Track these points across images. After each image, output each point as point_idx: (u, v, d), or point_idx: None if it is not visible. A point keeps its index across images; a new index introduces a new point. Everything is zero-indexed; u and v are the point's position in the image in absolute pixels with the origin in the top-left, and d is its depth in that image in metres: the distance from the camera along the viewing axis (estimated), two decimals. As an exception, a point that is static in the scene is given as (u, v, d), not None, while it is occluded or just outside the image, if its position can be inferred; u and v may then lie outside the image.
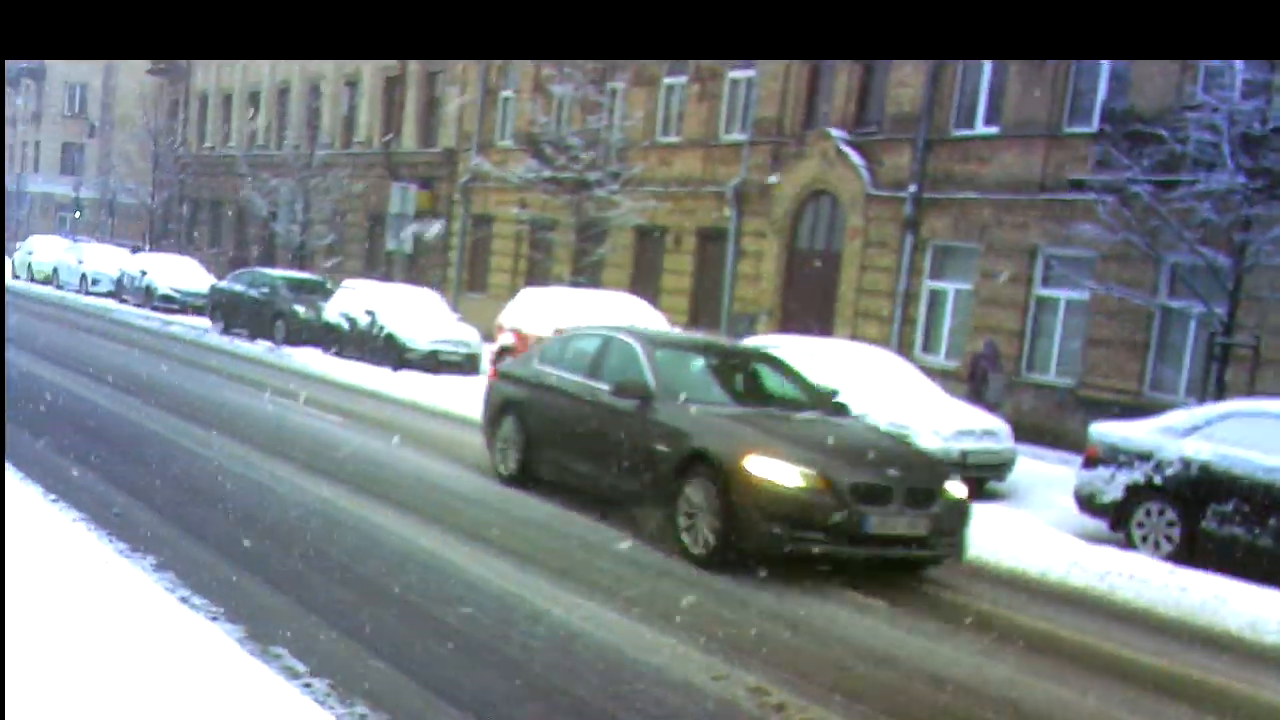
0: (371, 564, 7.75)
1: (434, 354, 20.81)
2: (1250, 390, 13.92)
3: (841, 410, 10.10)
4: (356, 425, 14.11)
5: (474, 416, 15.51)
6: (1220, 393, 13.75)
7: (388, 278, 29.22)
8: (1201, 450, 10.32)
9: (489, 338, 21.05)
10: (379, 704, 5.25)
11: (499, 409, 11.05)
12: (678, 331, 14.03)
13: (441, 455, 12.41)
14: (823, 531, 7.95)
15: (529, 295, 20.26)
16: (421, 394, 17.59)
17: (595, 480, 9.69)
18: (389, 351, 20.89)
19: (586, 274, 25.79)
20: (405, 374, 19.71)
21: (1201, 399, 13.97)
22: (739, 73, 24.44)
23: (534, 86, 28.87)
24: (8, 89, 58.30)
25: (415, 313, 21.82)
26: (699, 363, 10.46)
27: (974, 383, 15.59)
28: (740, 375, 10.57)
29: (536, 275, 28.47)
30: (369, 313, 21.76)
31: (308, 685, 5.34)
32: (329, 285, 25.90)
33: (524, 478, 10.50)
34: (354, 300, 22.68)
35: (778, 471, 8.07)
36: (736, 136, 24.63)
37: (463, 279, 32.34)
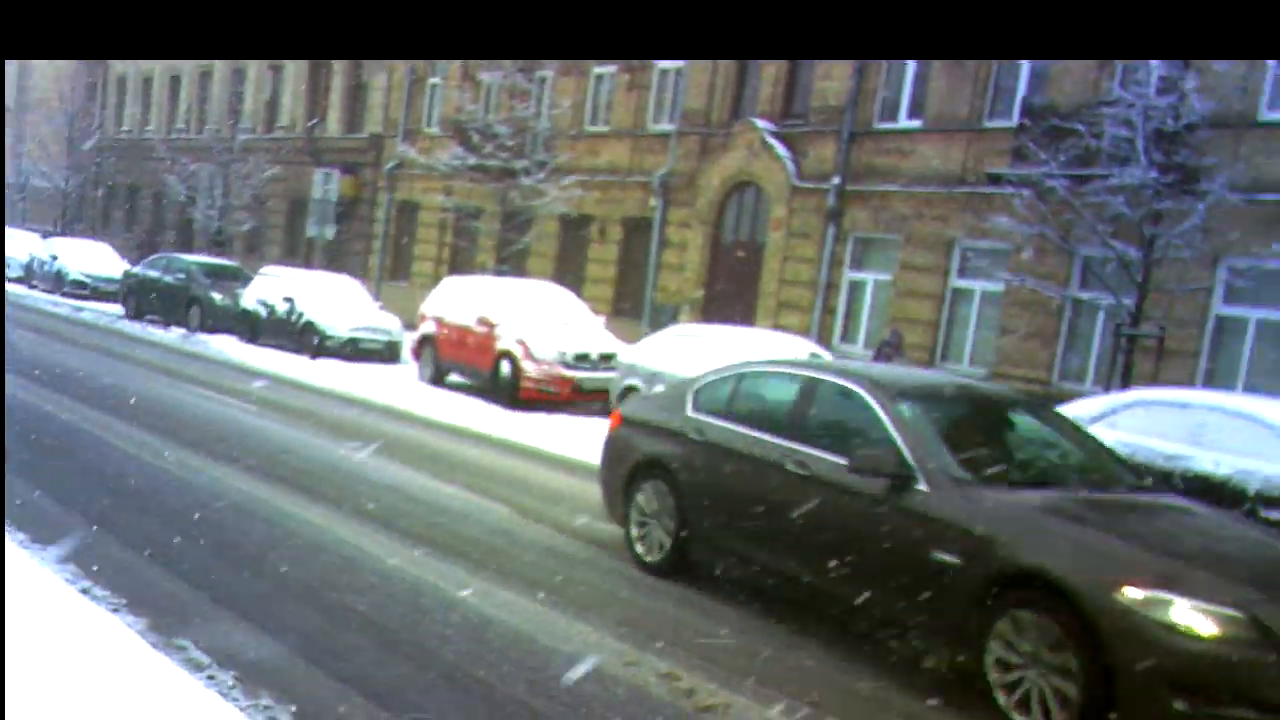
0: (313, 570, 7.66)
1: (353, 342, 20.62)
2: (1155, 379, 14.32)
3: (1152, 487, 7.58)
4: (274, 413, 13.92)
5: (403, 408, 15.46)
6: (1126, 382, 14.12)
7: (308, 265, 28.84)
8: (1106, 438, 10.56)
9: (411, 326, 20.89)
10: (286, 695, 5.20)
11: (635, 470, 8.25)
12: (912, 371, 11.08)
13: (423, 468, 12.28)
14: (1255, 706, 5.17)
15: (452, 284, 20.13)
16: (340, 382, 17.42)
17: (817, 588, 6.87)
18: (307, 339, 20.64)
19: (511, 263, 25.71)
20: (324, 362, 19.49)
21: (1108, 388, 14.32)
22: (668, 63, 24.47)
23: (462, 74, 28.65)
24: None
25: (335, 300, 21.58)
26: (952, 416, 7.39)
27: None
28: (1009, 434, 7.57)
29: (460, 264, 28.32)
30: (287, 300, 21.47)
31: (211, 678, 5.27)
32: (246, 271, 25.49)
33: (678, 566, 7.84)
34: (272, 287, 22.35)
35: (1182, 612, 5.24)
36: (664, 127, 24.68)
37: (385, 267, 32.03)
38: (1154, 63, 14.33)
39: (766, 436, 7.41)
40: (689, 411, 8.12)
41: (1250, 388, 14.84)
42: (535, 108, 25.47)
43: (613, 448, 8.71)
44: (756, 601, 7.38)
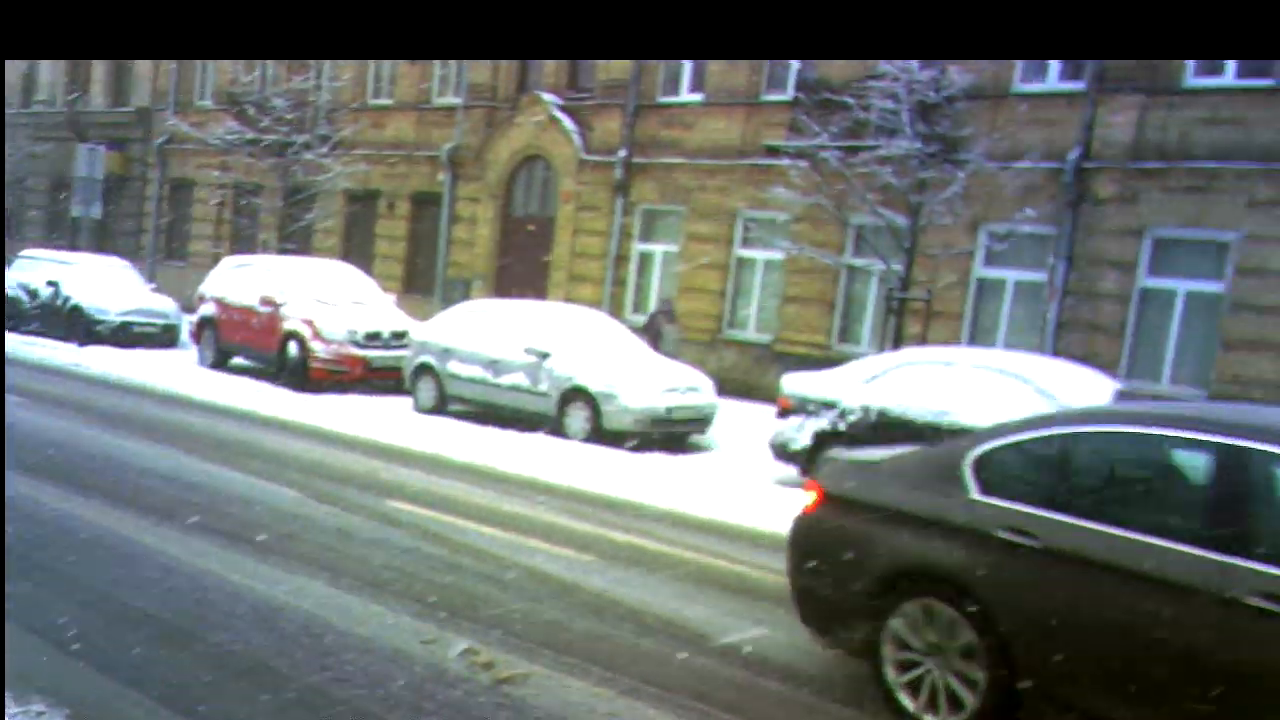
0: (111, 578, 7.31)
1: (125, 326, 19.67)
2: (924, 340, 15.14)
3: None
4: (41, 405, 13.15)
5: (185, 393, 14.83)
6: (897, 344, 14.88)
7: (74, 247, 27.22)
8: (879, 398, 11.18)
9: (190, 309, 20.05)
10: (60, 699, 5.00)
11: (889, 582, 5.58)
12: None
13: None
14: None
15: (233, 263, 19.40)
16: (114, 369, 16.60)
17: None
18: (75, 325, 19.56)
19: (295, 241, 24.94)
20: (94, 349, 18.51)
21: (881, 349, 15.08)
22: (449, 35, 24.14)
23: (233, 44, 27.44)
24: None
25: (104, 283, 20.50)
26: None
27: (650, 337, 16.29)
28: None
29: (242, 243, 27.29)
30: (51, 284, 20.29)
31: None
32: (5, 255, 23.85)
33: None
34: (35, 271, 21.05)
35: None
36: (450, 100, 24.37)
37: (160, 247, 30.57)
38: (919, 35, 15.05)
39: (1170, 544, 4.75)
40: (975, 494, 5.44)
41: (1009, 345, 15.92)
42: (314, 80, 24.73)
43: (822, 541, 5.97)
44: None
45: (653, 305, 19.58)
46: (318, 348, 16.37)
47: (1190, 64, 14.98)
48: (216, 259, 23.48)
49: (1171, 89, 15.03)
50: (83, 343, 18.93)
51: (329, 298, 17.24)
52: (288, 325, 16.82)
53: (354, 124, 24.89)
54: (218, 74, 28.87)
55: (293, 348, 16.69)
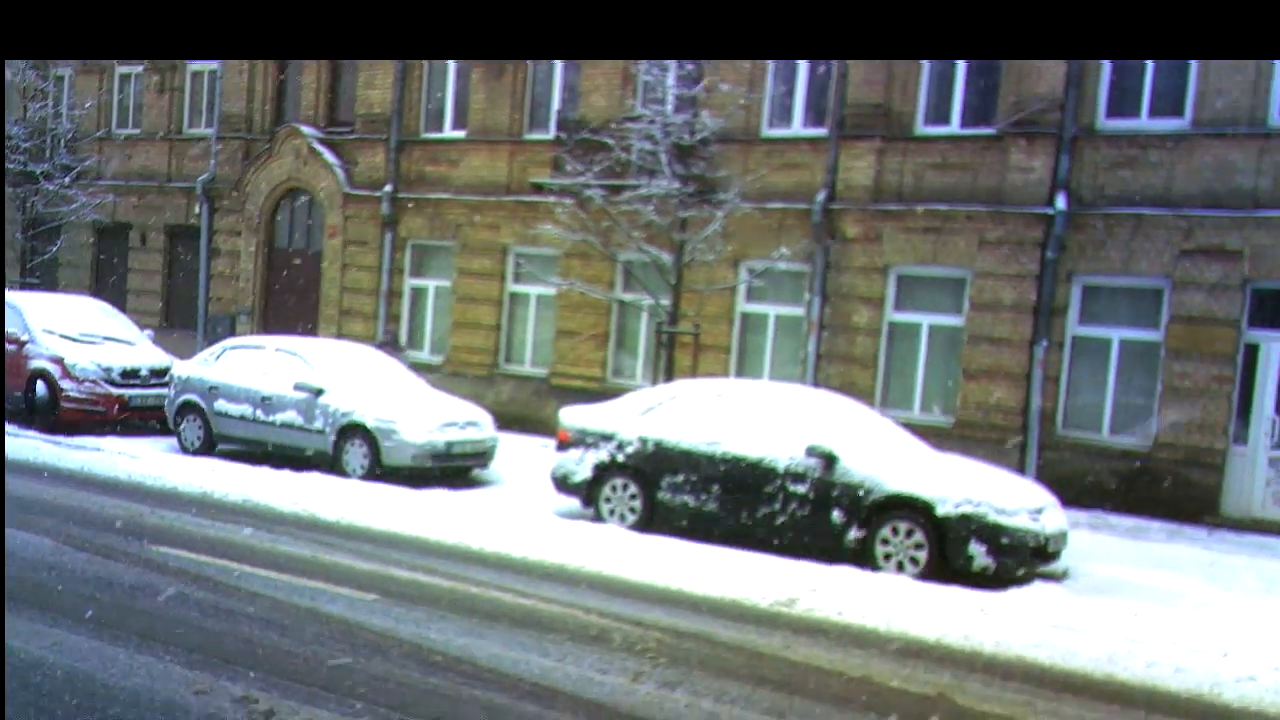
0: None
1: None
2: (694, 372, 15.68)
3: None
4: None
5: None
6: (669, 376, 15.35)
7: None
8: (655, 429, 11.52)
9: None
10: None
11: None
12: None
13: None
14: None
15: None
16: None
17: None
18: None
19: (39, 275, 23.46)
20: None
21: (655, 382, 15.51)
22: (200, 64, 23.36)
23: (-40, 67, 25.66)
24: None
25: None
26: None
27: None
28: None
29: (-26, 277, 25.38)
30: None
31: None
32: None
33: None
34: None
35: None
36: (203, 130, 23.53)
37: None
38: (670, 80, 15.68)
39: None
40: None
41: (774, 375, 16.67)
42: (52, 108, 23.40)
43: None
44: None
45: (426, 340, 19.47)
46: (69, 386, 15.48)
47: (921, 111, 16.15)
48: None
49: (905, 135, 16.17)
50: None
51: (79, 334, 16.32)
52: (34, 364, 15.81)
53: (99, 154, 23.67)
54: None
55: (40, 387, 15.69)
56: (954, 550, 9.98)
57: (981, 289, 15.56)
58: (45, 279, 23.58)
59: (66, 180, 22.38)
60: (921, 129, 16.13)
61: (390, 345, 17.54)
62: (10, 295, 18.24)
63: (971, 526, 9.97)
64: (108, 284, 23.86)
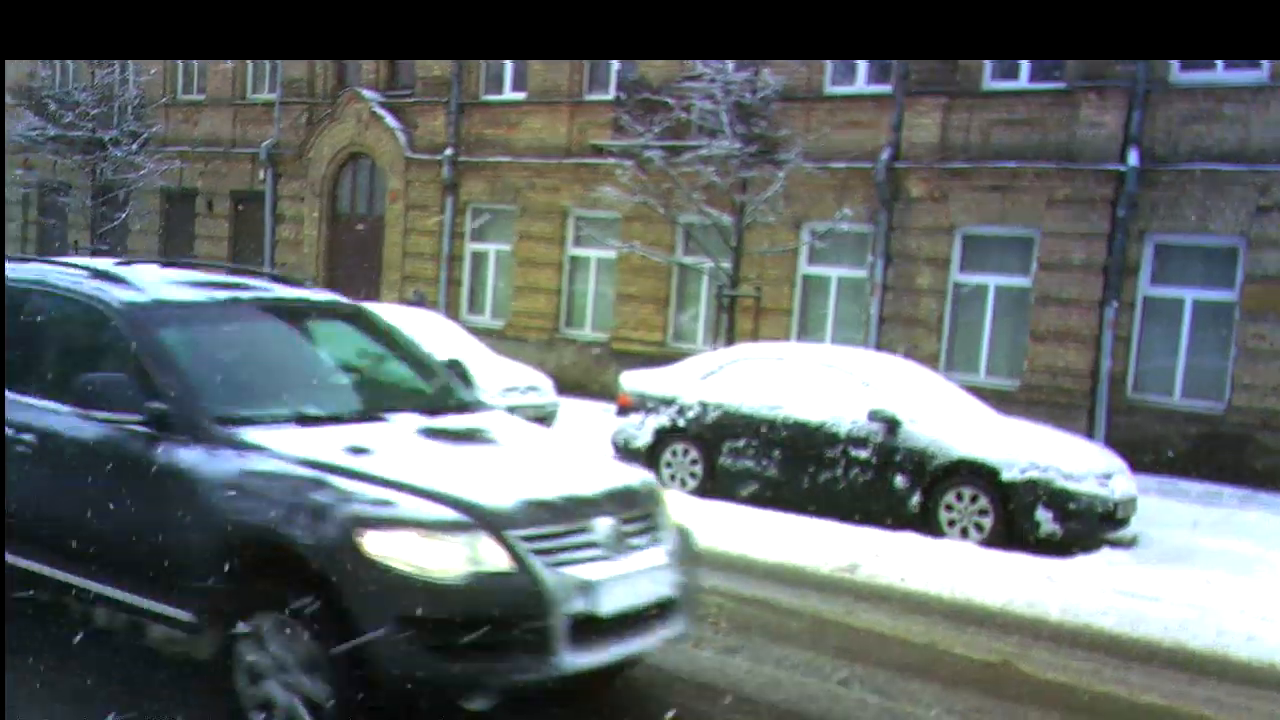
0: None
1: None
2: (755, 336, 15.61)
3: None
4: None
5: None
6: (730, 339, 15.29)
7: None
8: (716, 393, 11.49)
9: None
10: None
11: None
12: None
13: None
14: None
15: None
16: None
17: None
18: None
19: (109, 241, 23.89)
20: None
21: (715, 346, 15.45)
22: (265, 29, 23.51)
23: (31, 35, 26.08)
24: None
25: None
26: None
27: None
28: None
29: (49, 243, 25.94)
30: None
31: None
32: None
33: None
34: None
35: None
36: (266, 95, 23.73)
37: (-44, 250, 28.75)
38: (731, 38, 15.43)
39: None
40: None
41: (836, 339, 16.54)
42: (119, 75, 23.71)
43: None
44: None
45: (488, 305, 19.53)
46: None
47: (988, 66, 15.81)
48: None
49: (972, 91, 15.86)
50: None
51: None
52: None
53: (165, 120, 23.98)
54: (15, 67, 27.30)
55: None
56: (1020, 516, 9.86)
57: (1050, 249, 15.27)
58: (115, 244, 24.01)
59: (134, 147, 22.70)
60: (989, 84, 15.81)
61: (418, 305, 17.71)
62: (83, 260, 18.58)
63: (1038, 492, 9.83)
64: (175, 249, 24.24)
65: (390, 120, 21.40)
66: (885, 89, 16.51)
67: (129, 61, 24.59)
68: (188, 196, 24.67)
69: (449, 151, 20.71)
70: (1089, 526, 9.97)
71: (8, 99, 27.22)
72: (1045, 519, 9.80)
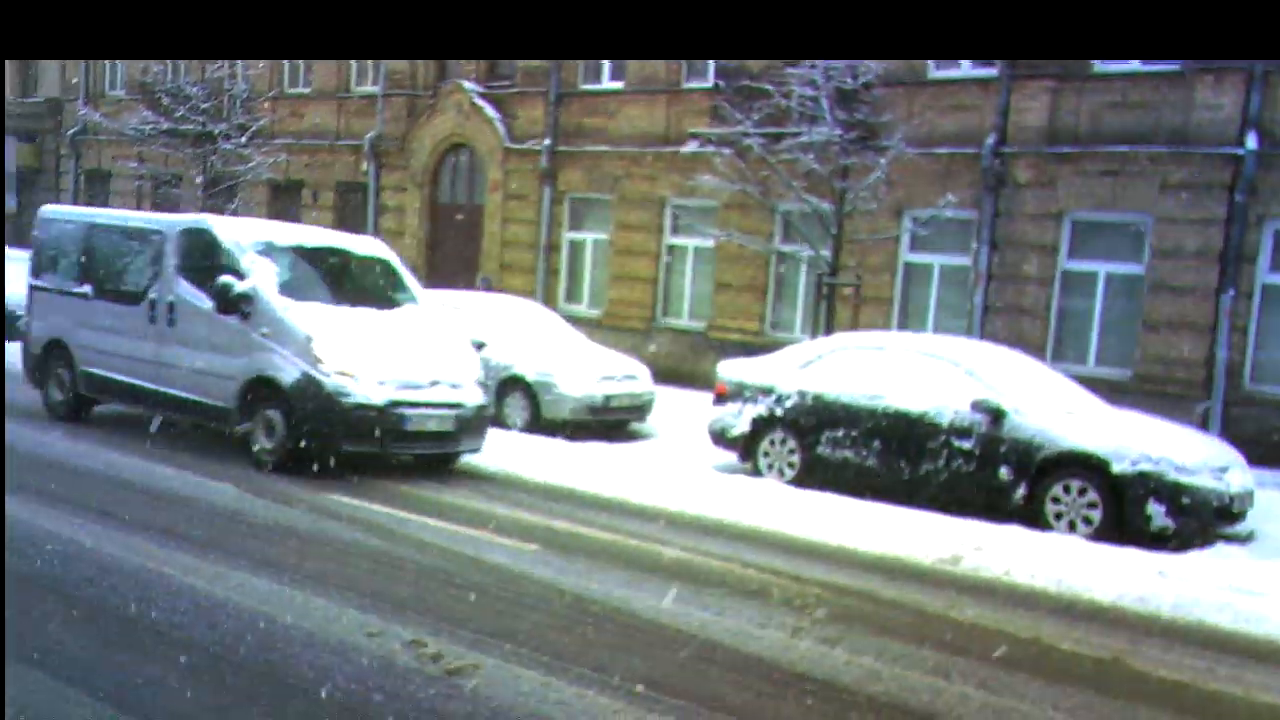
0: None
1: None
2: (854, 325, 15.37)
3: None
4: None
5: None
6: (829, 328, 15.07)
7: (-13, 242, 26.49)
8: (815, 383, 11.34)
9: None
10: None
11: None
12: None
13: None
14: None
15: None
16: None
17: None
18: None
19: (218, 232, 24.49)
20: (12, 345, 18.04)
21: (814, 335, 15.27)
22: (368, 23, 23.89)
23: (146, 32, 26.92)
24: None
25: (22, 279, 19.94)
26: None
27: None
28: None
29: (161, 235, 26.75)
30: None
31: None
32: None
33: None
34: (-54, 268, 20.40)
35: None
36: (369, 89, 24.13)
37: (76, 241, 29.86)
38: (832, 23, 15.20)
39: None
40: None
41: (938, 328, 16.22)
42: (228, 69, 24.30)
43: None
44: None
45: (585, 294, 19.58)
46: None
47: (1101, 49, 15.33)
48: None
49: (1081, 74, 15.40)
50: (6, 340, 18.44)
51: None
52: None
53: (272, 113, 24.53)
54: (128, 64, 28.23)
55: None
56: (1130, 510, 9.55)
57: (1163, 235, 14.77)
58: (225, 236, 24.62)
59: (243, 140, 23.25)
60: (1099, 66, 15.33)
61: (486, 290, 18.10)
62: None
63: (1150, 485, 9.51)
64: (282, 240, 24.76)
65: (490, 111, 21.59)
66: (991, 72, 16.13)
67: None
68: (293, 188, 25.21)
69: (547, 141, 20.82)
70: (1203, 521, 9.63)
71: (123, 94, 28.16)
72: (1157, 513, 9.48)
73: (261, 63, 24.96)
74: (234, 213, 24.35)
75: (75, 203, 29.75)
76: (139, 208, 28.12)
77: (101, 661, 5.54)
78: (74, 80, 29.54)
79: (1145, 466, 9.54)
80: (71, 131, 29.50)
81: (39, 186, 30.42)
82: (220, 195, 24.18)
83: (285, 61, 25.39)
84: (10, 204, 23.53)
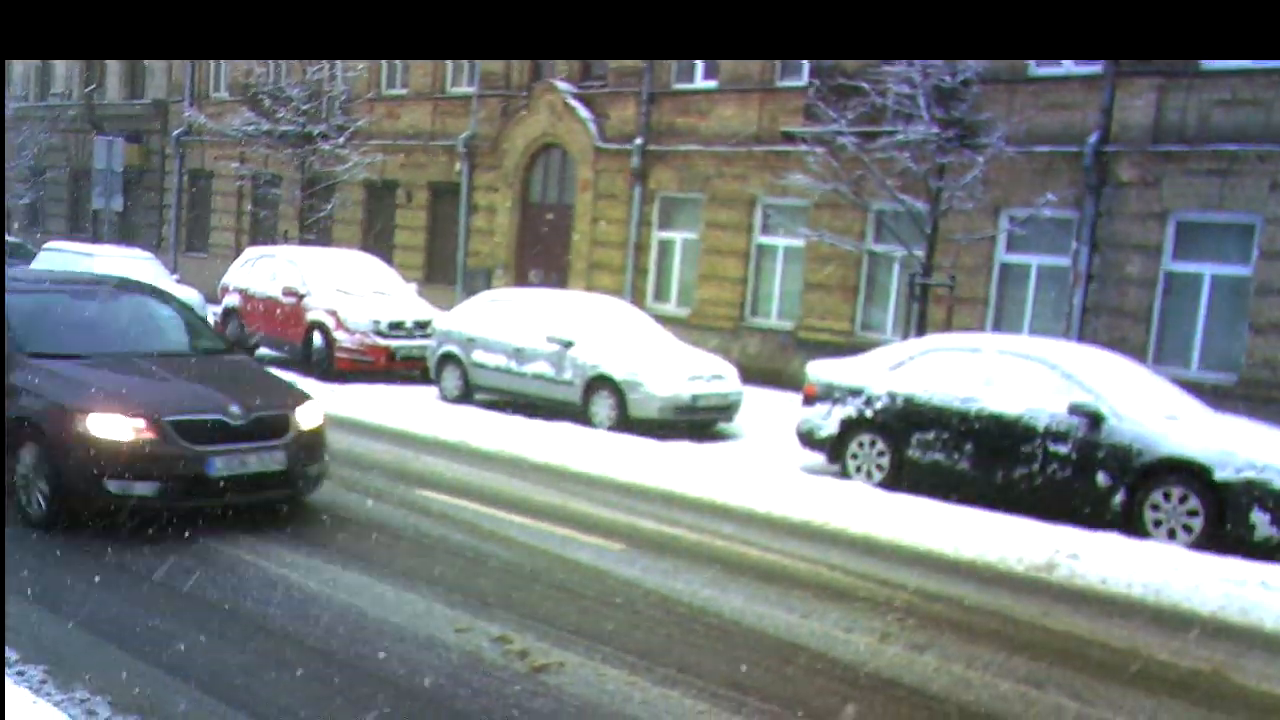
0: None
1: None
2: (948, 326, 15.13)
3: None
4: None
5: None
6: (921, 329, 14.84)
7: (96, 238, 27.39)
8: (905, 384, 11.18)
9: (212, 300, 20.16)
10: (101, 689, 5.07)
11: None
12: None
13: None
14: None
15: (255, 254, 19.50)
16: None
17: None
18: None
19: (315, 231, 25.04)
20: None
21: (905, 336, 15.05)
22: (463, 24, 24.17)
23: (249, 35, 27.59)
24: None
25: (130, 275, 20.60)
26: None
27: None
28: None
29: (262, 233, 27.43)
30: (77, 277, 20.41)
31: (20, 674, 5.10)
32: (29, 247, 24.00)
33: None
34: (60, 263, 21.14)
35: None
36: (464, 89, 24.41)
37: (181, 238, 30.74)
38: (930, 21, 14.95)
39: None
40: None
41: (1034, 330, 15.87)
42: (328, 70, 24.78)
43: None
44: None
45: (673, 293, 19.49)
46: (342, 338, 16.45)
47: (1210, 45, 14.88)
48: (238, 249, 23.63)
49: (1189, 71, 14.94)
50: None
51: (352, 288, 17.32)
52: (311, 316, 16.90)
53: (369, 114, 24.95)
54: (232, 66, 28.96)
55: (317, 338, 16.78)
56: (1234, 518, 9.22)
57: (1273, 236, 14.25)
58: (321, 234, 25.14)
59: (340, 140, 23.68)
60: (1207, 64, 14.86)
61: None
62: (289, 250, 19.58)
63: (1255, 493, 9.17)
64: (376, 239, 25.22)
65: (582, 111, 21.69)
66: (1094, 69, 15.72)
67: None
68: (389, 188, 25.60)
69: (638, 141, 20.85)
70: (1313, 533, 9.26)
71: (226, 95, 28.90)
72: (1262, 521, 9.14)
73: (360, 64, 25.37)
74: (330, 213, 24.89)
75: (178, 202, 30.68)
76: (240, 207, 28.87)
77: (195, 648, 5.68)
78: (180, 82, 30.38)
79: (1250, 474, 9.22)
80: (177, 132, 30.34)
81: (145, 186, 31.37)
82: (318, 195, 24.67)
83: (383, 62, 25.80)
84: (116, 204, 24.23)
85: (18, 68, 35.17)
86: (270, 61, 26.04)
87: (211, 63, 29.95)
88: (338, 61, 25.45)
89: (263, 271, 18.31)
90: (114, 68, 32.58)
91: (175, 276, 22.33)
